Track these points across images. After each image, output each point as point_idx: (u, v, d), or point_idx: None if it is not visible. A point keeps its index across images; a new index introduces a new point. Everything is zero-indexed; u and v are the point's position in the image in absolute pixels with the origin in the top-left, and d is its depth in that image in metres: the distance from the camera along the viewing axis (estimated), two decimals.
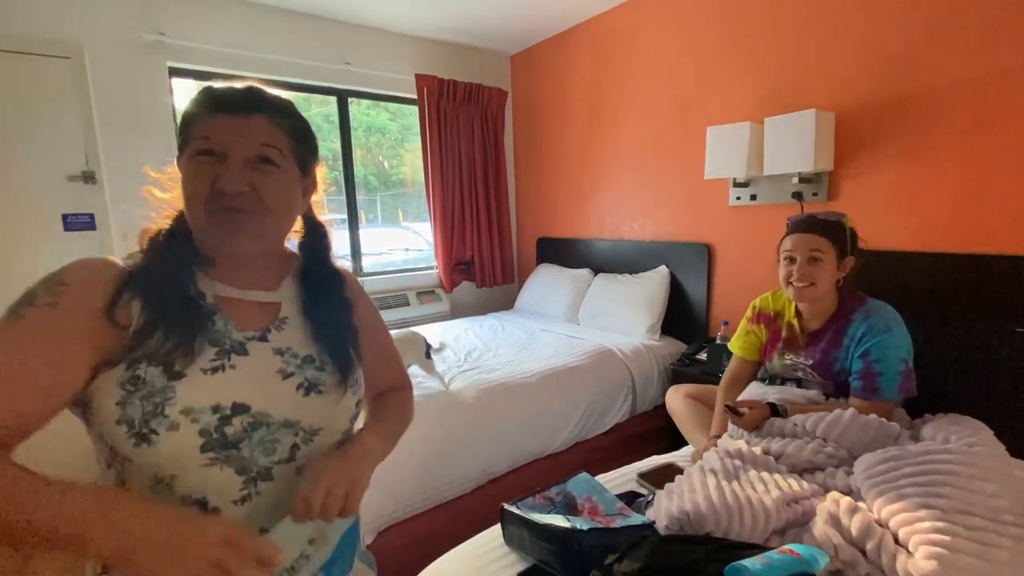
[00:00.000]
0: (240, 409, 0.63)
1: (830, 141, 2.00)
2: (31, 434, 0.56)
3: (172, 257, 0.66)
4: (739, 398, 1.60)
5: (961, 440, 1.12)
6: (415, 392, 1.81)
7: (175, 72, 2.55)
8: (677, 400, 1.86)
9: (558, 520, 0.96)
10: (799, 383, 1.61)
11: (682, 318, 2.67)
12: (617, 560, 0.84)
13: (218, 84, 0.67)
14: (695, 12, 2.50)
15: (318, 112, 3.22)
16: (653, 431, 2.38)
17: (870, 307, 1.46)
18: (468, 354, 2.43)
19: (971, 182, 1.72)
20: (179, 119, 0.68)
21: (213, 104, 0.64)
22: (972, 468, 1.00)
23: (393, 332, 1.77)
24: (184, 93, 2.60)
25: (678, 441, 1.92)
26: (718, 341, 2.31)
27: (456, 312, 3.47)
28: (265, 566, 0.51)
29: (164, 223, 0.70)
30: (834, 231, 1.47)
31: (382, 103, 3.44)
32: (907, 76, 1.83)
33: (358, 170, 3.22)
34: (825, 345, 1.50)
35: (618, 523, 1.00)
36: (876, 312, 1.44)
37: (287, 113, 0.69)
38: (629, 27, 2.84)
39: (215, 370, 0.63)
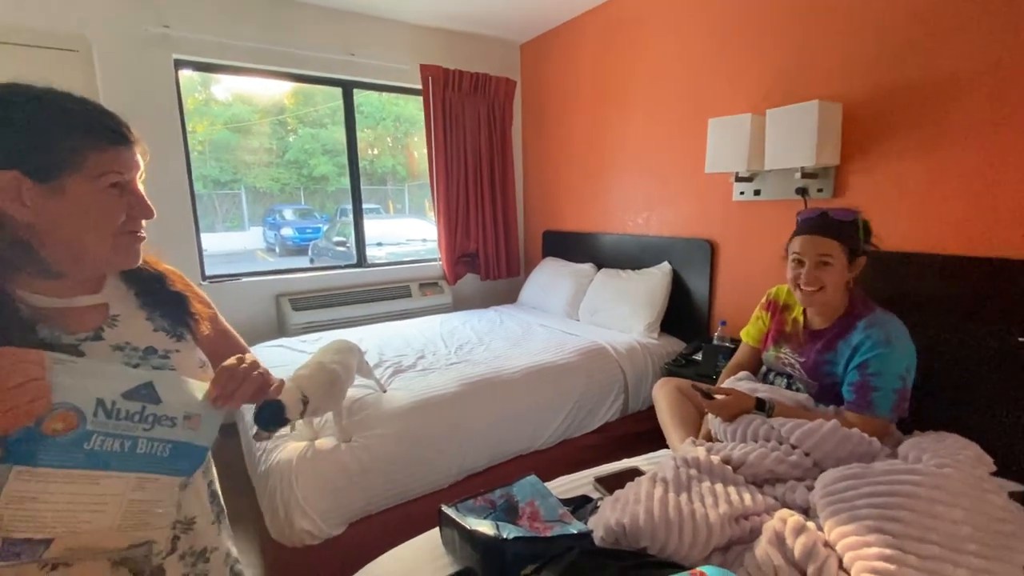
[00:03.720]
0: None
1: (836, 134, 1.88)
2: None
3: None
4: (723, 384, 1.55)
5: (933, 460, 1.03)
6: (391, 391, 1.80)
7: (181, 64, 2.61)
8: (663, 392, 1.76)
9: (486, 527, 0.94)
10: (788, 378, 1.57)
11: (684, 316, 2.59)
12: (534, 571, 0.82)
13: (79, 105, 0.68)
14: (698, 1, 2.39)
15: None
16: (644, 432, 2.32)
17: (876, 318, 1.37)
18: (460, 347, 2.42)
19: (987, 180, 1.59)
20: (49, 139, 0.64)
21: (118, 137, 0.69)
22: (937, 491, 0.92)
23: (334, 342, 1.78)
24: (191, 85, 2.66)
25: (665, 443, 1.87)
26: (715, 342, 2.23)
27: (459, 304, 3.47)
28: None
29: None
30: (846, 231, 1.38)
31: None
32: (920, 65, 1.70)
33: (386, 160, 3.23)
34: (821, 347, 1.44)
35: (554, 531, 0.98)
36: (881, 324, 1.35)
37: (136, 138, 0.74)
38: (636, 15, 2.74)
39: None
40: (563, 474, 1.42)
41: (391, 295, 3.24)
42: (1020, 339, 1.39)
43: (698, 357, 2.26)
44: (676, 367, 2.26)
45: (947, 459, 1.02)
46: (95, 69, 2.31)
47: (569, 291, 3.03)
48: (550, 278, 3.25)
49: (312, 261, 7.70)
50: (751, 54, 2.20)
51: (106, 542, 0.62)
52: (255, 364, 0.74)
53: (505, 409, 1.98)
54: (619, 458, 1.70)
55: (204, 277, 2.78)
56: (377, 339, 2.50)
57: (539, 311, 3.16)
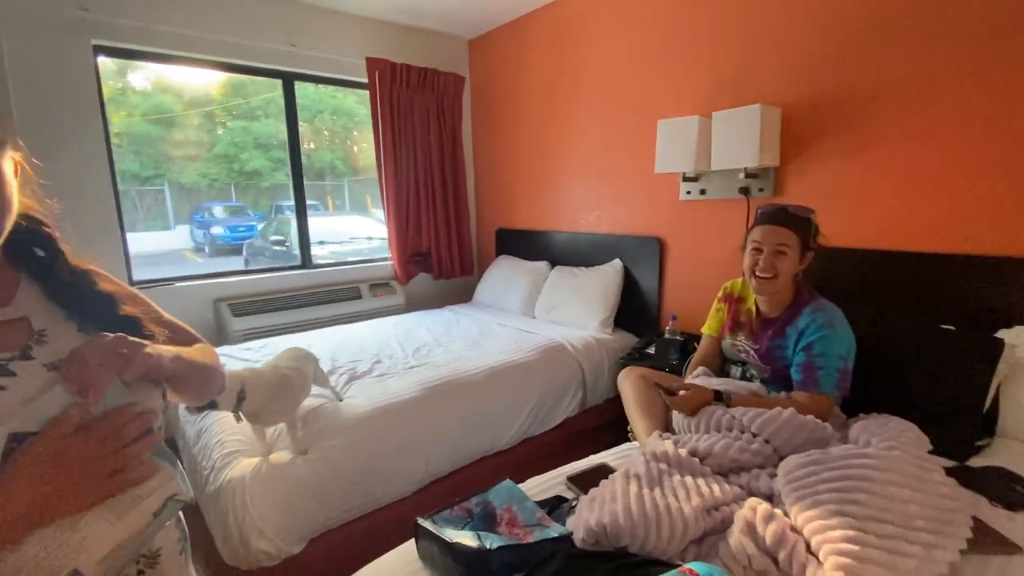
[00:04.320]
0: (22, 439, 0.56)
1: (776, 136, 1.99)
2: None
3: None
4: (685, 381, 1.61)
5: (882, 443, 1.12)
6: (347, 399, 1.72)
7: (100, 50, 2.37)
8: (629, 381, 1.79)
9: (467, 538, 0.92)
10: (743, 365, 1.69)
11: (635, 312, 2.66)
12: None
13: None
14: (646, 2, 2.45)
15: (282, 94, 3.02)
16: (603, 425, 2.37)
17: (820, 305, 1.50)
18: (417, 350, 2.37)
19: (913, 180, 1.74)
20: None
21: None
22: (889, 474, 1.00)
23: (290, 349, 1.70)
24: (140, 77, 2.43)
25: (625, 435, 1.91)
26: (667, 335, 2.31)
27: (411, 305, 3.39)
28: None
29: None
30: (801, 226, 1.50)
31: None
32: (849, 73, 1.83)
33: (324, 155, 3.08)
34: (772, 333, 1.56)
35: (535, 536, 0.97)
36: (824, 310, 1.48)
37: None
38: (584, 14, 2.77)
39: None
40: (528, 473, 1.42)
41: (340, 297, 3.11)
42: (942, 326, 1.54)
43: (651, 351, 2.33)
44: (631, 360, 2.32)
45: (893, 441, 1.11)
46: (3, 55, 2.05)
47: (525, 289, 3.04)
48: (505, 276, 3.24)
49: (248, 262, 7.28)
50: (697, 57, 2.28)
51: (125, 531, 0.60)
52: (119, 342, 0.61)
53: (467, 411, 1.96)
54: (581, 453, 1.72)
55: (132, 282, 2.55)
56: (328, 344, 2.39)
57: (495, 310, 3.14)
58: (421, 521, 1.00)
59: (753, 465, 1.20)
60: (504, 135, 3.44)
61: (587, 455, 1.57)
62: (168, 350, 0.67)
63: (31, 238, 0.68)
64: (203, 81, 7.30)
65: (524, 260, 3.26)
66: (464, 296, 3.61)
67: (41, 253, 0.69)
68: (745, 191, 2.13)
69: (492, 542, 0.90)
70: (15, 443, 0.55)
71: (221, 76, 5.10)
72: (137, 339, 0.63)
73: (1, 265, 0.66)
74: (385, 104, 3.07)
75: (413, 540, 1.07)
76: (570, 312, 2.72)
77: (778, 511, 0.99)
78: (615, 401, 2.30)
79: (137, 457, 0.62)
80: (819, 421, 1.29)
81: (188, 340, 0.83)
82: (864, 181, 1.85)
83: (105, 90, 2.43)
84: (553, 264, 3.08)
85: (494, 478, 1.66)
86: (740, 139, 1.94)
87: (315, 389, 1.76)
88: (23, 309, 0.65)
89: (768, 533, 0.93)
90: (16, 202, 0.63)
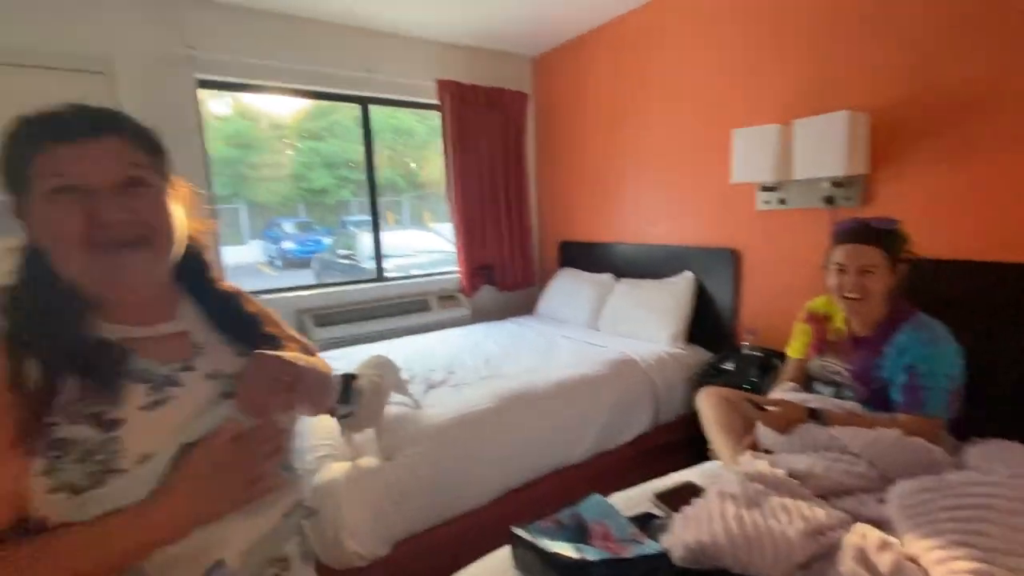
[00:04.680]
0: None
1: (864, 143, 1.90)
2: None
3: (54, 305, 0.60)
4: (771, 395, 1.56)
5: (1006, 471, 1.03)
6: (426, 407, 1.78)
7: (203, 84, 2.61)
8: (709, 402, 1.72)
9: (567, 549, 0.93)
10: (836, 387, 1.58)
11: (708, 326, 2.59)
12: None
13: (37, 112, 0.60)
14: (720, 11, 2.42)
15: (346, 115, 3.24)
16: (675, 442, 2.31)
17: (920, 320, 1.41)
18: (487, 361, 2.41)
19: (1019, 187, 1.61)
20: (9, 161, 0.59)
21: (53, 134, 0.58)
22: (1016, 503, 0.92)
23: (372, 357, 1.76)
24: (212, 104, 2.66)
25: (701, 453, 1.86)
26: (745, 351, 2.23)
27: (477, 316, 3.46)
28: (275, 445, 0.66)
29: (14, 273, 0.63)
30: (888, 240, 1.42)
31: None
32: (951, 74, 1.72)
33: (385, 172, 3.23)
34: (867, 352, 1.47)
35: (631, 551, 0.97)
36: (925, 326, 1.39)
37: (135, 127, 0.65)
38: (652, 28, 2.77)
39: (156, 404, 0.61)
40: (602, 487, 1.40)
41: (410, 309, 3.23)
42: None
43: (729, 367, 2.26)
44: (707, 377, 2.26)
45: (1019, 469, 1.02)
46: (119, 90, 2.31)
47: (589, 301, 3.03)
48: (569, 289, 3.25)
49: (318, 275, 7.68)
50: (774, 66, 2.23)
51: (261, 528, 0.66)
52: (285, 367, 0.67)
53: (541, 423, 1.97)
54: (654, 469, 1.69)
55: None
56: (402, 354, 2.47)
57: (558, 322, 3.15)
58: (516, 530, 1.03)
59: (858, 489, 1.14)
60: (567, 148, 3.47)
61: (660, 472, 1.55)
62: (310, 369, 0.73)
63: (190, 259, 0.76)
64: (276, 107, 7.84)
65: (587, 272, 3.26)
66: (526, 308, 3.64)
67: (199, 274, 0.77)
68: (830, 200, 2.04)
69: (592, 555, 0.91)
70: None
71: (294, 102, 5.47)
72: (295, 358, 0.69)
73: (169, 284, 0.74)
74: (454, 123, 3.19)
75: (507, 548, 1.09)
76: (638, 325, 2.69)
77: (894, 540, 0.94)
78: (688, 418, 2.25)
79: (271, 469, 0.67)
80: (928, 444, 1.21)
81: (310, 354, 0.90)
82: (966, 188, 1.73)
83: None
84: (618, 276, 3.06)
85: (568, 492, 1.67)
86: (825, 147, 1.87)
87: (395, 397, 1.84)
88: (184, 324, 0.72)
89: (883, 563, 0.89)
90: (183, 235, 0.70)
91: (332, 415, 1.44)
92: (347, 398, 1.36)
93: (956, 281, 1.73)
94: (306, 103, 5.16)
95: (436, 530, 1.68)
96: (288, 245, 9.53)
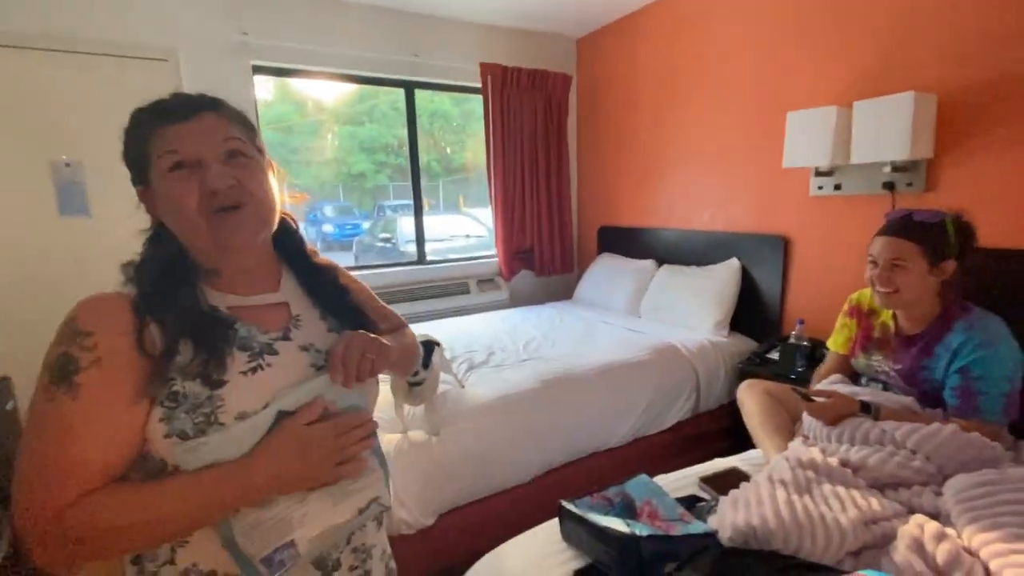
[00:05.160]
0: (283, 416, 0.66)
1: (930, 126, 1.81)
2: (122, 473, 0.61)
3: (173, 277, 0.66)
4: (820, 386, 1.52)
5: None
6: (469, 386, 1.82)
7: (257, 70, 2.70)
8: (752, 396, 1.68)
9: (617, 523, 0.96)
10: (883, 387, 1.53)
11: (753, 314, 2.54)
12: (677, 569, 0.83)
13: (145, 104, 0.67)
14: None
15: (383, 101, 3.29)
16: (716, 431, 2.30)
17: (975, 318, 1.33)
18: (527, 344, 2.45)
19: None
20: (124, 150, 0.68)
21: (161, 119, 0.65)
22: None
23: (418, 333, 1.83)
24: (264, 89, 2.75)
25: (742, 443, 1.84)
26: (792, 340, 2.19)
27: (515, 301, 3.49)
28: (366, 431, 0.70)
29: (141, 251, 0.70)
30: (928, 234, 1.33)
31: None
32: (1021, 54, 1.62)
33: (421, 157, 3.27)
34: (916, 352, 1.40)
35: (678, 530, 0.99)
36: (981, 325, 1.31)
37: (227, 107, 0.70)
38: (702, 6, 2.68)
39: (254, 370, 0.67)
40: (641, 471, 1.41)
41: (450, 291, 3.29)
42: None
43: (774, 356, 2.22)
44: (751, 366, 2.22)
45: None
46: (181, 77, 2.42)
47: (630, 287, 3.02)
48: (608, 274, 3.23)
49: (357, 258, 7.87)
50: (834, 46, 2.13)
51: (336, 518, 0.68)
52: (372, 344, 0.71)
53: (580, 406, 2.00)
54: (694, 456, 1.69)
55: None
56: (444, 335, 2.52)
57: (598, 308, 3.15)
58: (566, 504, 1.06)
59: (914, 482, 1.12)
60: (610, 132, 3.43)
61: (701, 459, 1.55)
62: (394, 347, 0.78)
63: (287, 234, 0.81)
64: (317, 92, 8.00)
65: (628, 258, 3.23)
66: (565, 293, 3.65)
67: (296, 247, 0.82)
68: (890, 186, 1.96)
69: (642, 530, 0.93)
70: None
71: (334, 87, 5.56)
72: (378, 338, 0.74)
73: (272, 256, 0.79)
74: (496, 107, 3.19)
75: (553, 521, 1.13)
76: (681, 313, 2.66)
77: (951, 531, 0.92)
78: (730, 407, 2.23)
79: (357, 453, 0.70)
80: (986, 440, 1.17)
81: (399, 324, 0.96)
82: None
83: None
84: (660, 263, 3.03)
85: (607, 473, 1.68)
86: (888, 130, 1.79)
87: (442, 376, 1.89)
88: (285, 295, 0.77)
89: (940, 552, 0.88)
90: (279, 206, 0.75)
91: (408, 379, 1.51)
92: (426, 363, 1.43)
93: None
94: (347, 88, 5.26)
95: (478, 504, 1.74)
96: (328, 228, 9.79)
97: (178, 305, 0.64)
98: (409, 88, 3.15)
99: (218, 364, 0.63)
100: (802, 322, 2.17)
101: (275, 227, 0.74)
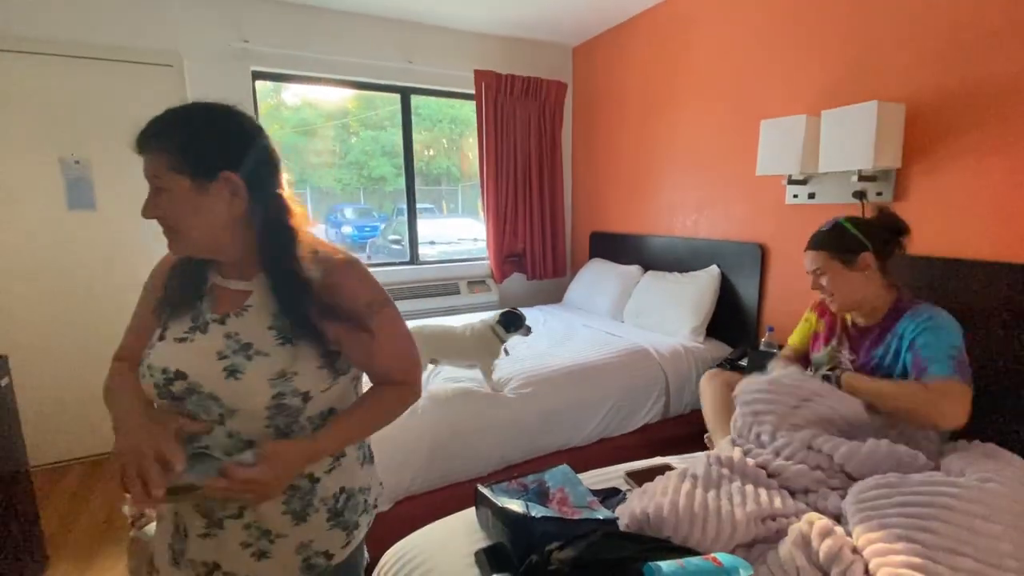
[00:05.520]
0: (179, 376, 0.75)
1: (898, 135, 1.81)
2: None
3: (190, 261, 0.85)
4: (776, 370, 1.58)
5: (976, 475, 1.00)
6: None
7: (257, 76, 2.84)
8: (712, 386, 1.73)
9: (516, 505, 1.00)
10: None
11: (731, 321, 2.55)
12: (558, 548, 0.87)
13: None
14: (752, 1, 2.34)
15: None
16: (685, 435, 2.30)
17: (922, 309, 1.38)
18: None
19: None
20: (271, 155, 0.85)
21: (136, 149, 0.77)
22: (976, 506, 0.90)
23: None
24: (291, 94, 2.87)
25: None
26: (762, 347, 2.19)
27: (504, 303, 3.55)
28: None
29: None
30: (829, 240, 1.45)
31: None
32: (994, 62, 1.61)
33: (441, 161, 3.37)
34: (869, 344, 1.47)
35: (581, 515, 1.03)
36: (926, 312, 1.36)
37: (160, 140, 0.73)
38: (687, 15, 2.72)
39: (181, 340, 0.78)
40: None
41: (441, 291, 3.37)
42: None
43: (743, 363, 2.22)
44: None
45: (992, 474, 0.99)
46: (185, 82, 2.57)
47: (615, 292, 3.04)
48: (596, 279, 3.27)
49: (369, 258, 8.05)
50: (806, 55, 2.15)
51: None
52: (251, 490, 0.72)
53: (546, 404, 2.04)
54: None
55: None
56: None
57: (584, 311, 3.19)
58: (481, 488, 1.11)
59: (825, 486, 1.13)
60: (603, 139, 3.47)
61: None
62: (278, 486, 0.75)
63: (270, 239, 0.80)
64: (339, 96, 8.24)
65: (616, 263, 3.26)
66: (556, 297, 3.69)
67: (272, 253, 0.80)
68: (861, 195, 1.96)
69: (538, 512, 0.97)
70: (178, 378, 0.76)
71: (351, 92, 5.73)
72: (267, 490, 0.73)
73: (250, 255, 0.81)
74: (490, 113, 3.27)
75: (473, 508, 1.18)
76: (660, 318, 2.68)
77: (839, 528, 0.94)
78: (701, 413, 2.24)
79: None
80: (911, 451, 1.16)
81: (400, 374, 0.93)
82: (1011, 183, 1.61)
83: (262, 107, 2.90)
84: (645, 268, 3.05)
85: None
86: (853, 139, 1.80)
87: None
88: (254, 285, 0.81)
89: (823, 548, 0.90)
90: (221, 220, 0.77)
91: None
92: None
93: (996, 284, 1.62)
94: (362, 93, 5.40)
95: (434, 493, 1.80)
96: (347, 230, 10.04)
97: (183, 273, 0.84)
98: (405, 93, 3.25)
99: (166, 324, 0.80)
100: (771, 329, 2.17)
101: (216, 238, 0.77)
